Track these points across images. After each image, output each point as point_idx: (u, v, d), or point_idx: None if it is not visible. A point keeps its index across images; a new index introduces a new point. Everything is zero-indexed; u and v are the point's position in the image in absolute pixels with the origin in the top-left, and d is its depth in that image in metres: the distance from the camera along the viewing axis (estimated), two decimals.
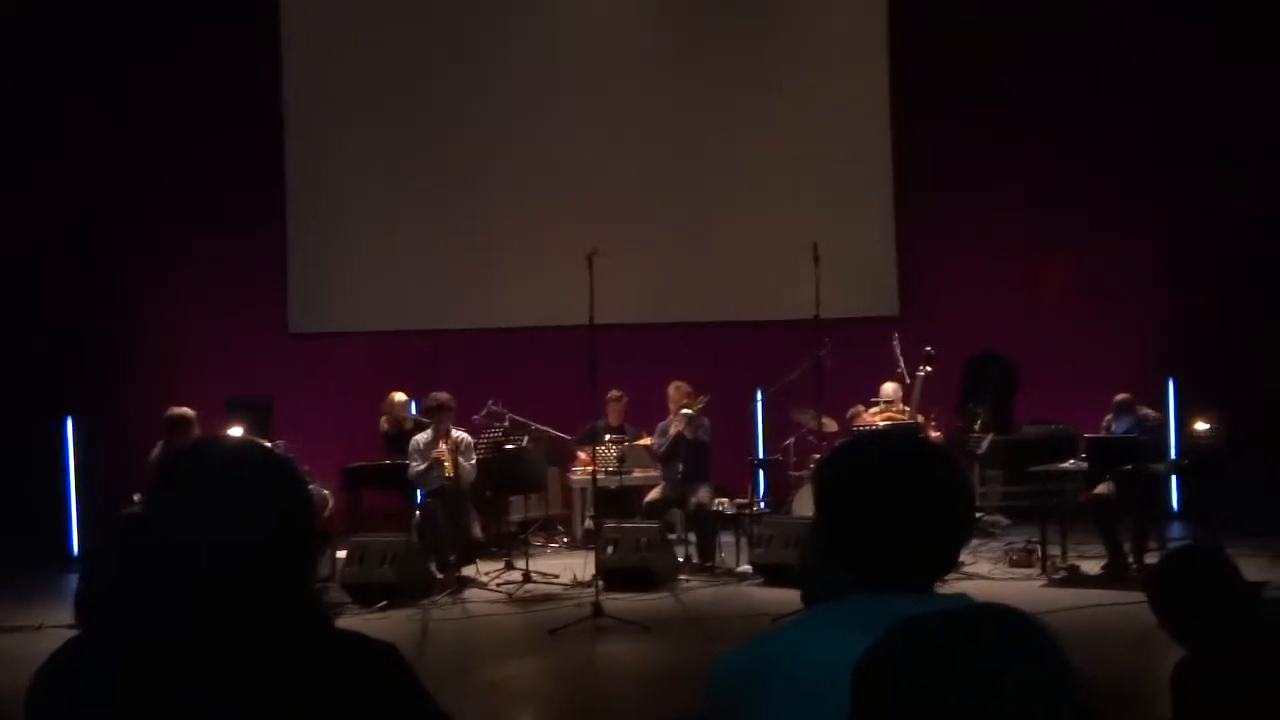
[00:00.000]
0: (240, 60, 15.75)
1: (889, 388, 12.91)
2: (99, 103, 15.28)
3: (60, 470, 13.90)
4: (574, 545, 13.61)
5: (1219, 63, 15.36)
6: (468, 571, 11.66)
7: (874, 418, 12.72)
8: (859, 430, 12.25)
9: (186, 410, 10.96)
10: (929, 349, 12.57)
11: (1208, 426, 12.72)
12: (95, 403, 14.46)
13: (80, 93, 15.27)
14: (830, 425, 12.75)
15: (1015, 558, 11.68)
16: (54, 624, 9.74)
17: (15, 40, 15.32)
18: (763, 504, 13.43)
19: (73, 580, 10.59)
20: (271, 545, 2.02)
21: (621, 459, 13.06)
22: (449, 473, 11.77)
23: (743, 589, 11.27)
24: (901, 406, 12.73)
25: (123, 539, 2.28)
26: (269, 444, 10.55)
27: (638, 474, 13.28)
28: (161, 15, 15.46)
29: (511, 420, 13.44)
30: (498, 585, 11.48)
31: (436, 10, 16.13)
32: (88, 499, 13.81)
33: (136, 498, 11.06)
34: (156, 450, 10.86)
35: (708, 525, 12.14)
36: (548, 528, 14.20)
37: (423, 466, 11.86)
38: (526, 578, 11.44)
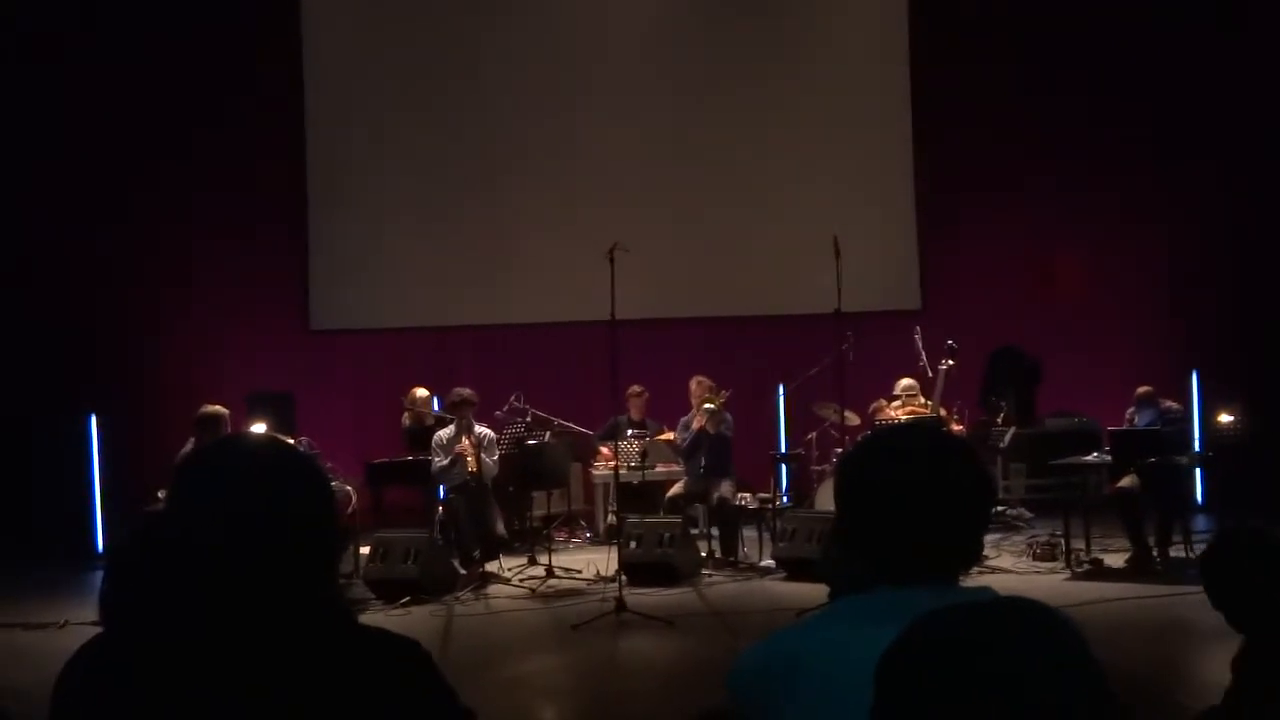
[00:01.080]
0: (260, 57, 15.79)
1: (905, 382, 12.91)
2: (120, 99, 15.30)
3: (84, 467, 13.95)
4: (596, 540, 13.61)
5: (1239, 49, 15.34)
6: (491, 567, 11.67)
7: (896, 412, 12.71)
8: (881, 424, 12.22)
9: (219, 408, 10.96)
10: (951, 343, 12.55)
11: (1231, 418, 12.65)
12: (118, 400, 14.50)
13: (100, 88, 15.30)
14: (852, 419, 12.74)
15: (1039, 551, 11.65)
16: (79, 621, 9.78)
17: (31, 36, 15.37)
18: (785, 498, 13.42)
19: (97, 577, 10.67)
20: (294, 542, 2.02)
21: (644, 454, 13.06)
22: (472, 468, 11.79)
23: (765, 584, 11.26)
24: (924, 400, 12.72)
25: (145, 537, 2.29)
26: (292, 441, 10.61)
27: (660, 469, 13.28)
28: (183, 8, 15.50)
29: (534, 416, 13.46)
30: (520, 581, 11.50)
31: (455, 7, 16.15)
32: (112, 496, 13.86)
33: (161, 494, 11.09)
34: (187, 448, 10.87)
35: (730, 520, 12.12)
36: (570, 523, 14.22)
37: (445, 462, 11.88)
38: (549, 573, 11.45)
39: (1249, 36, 15.41)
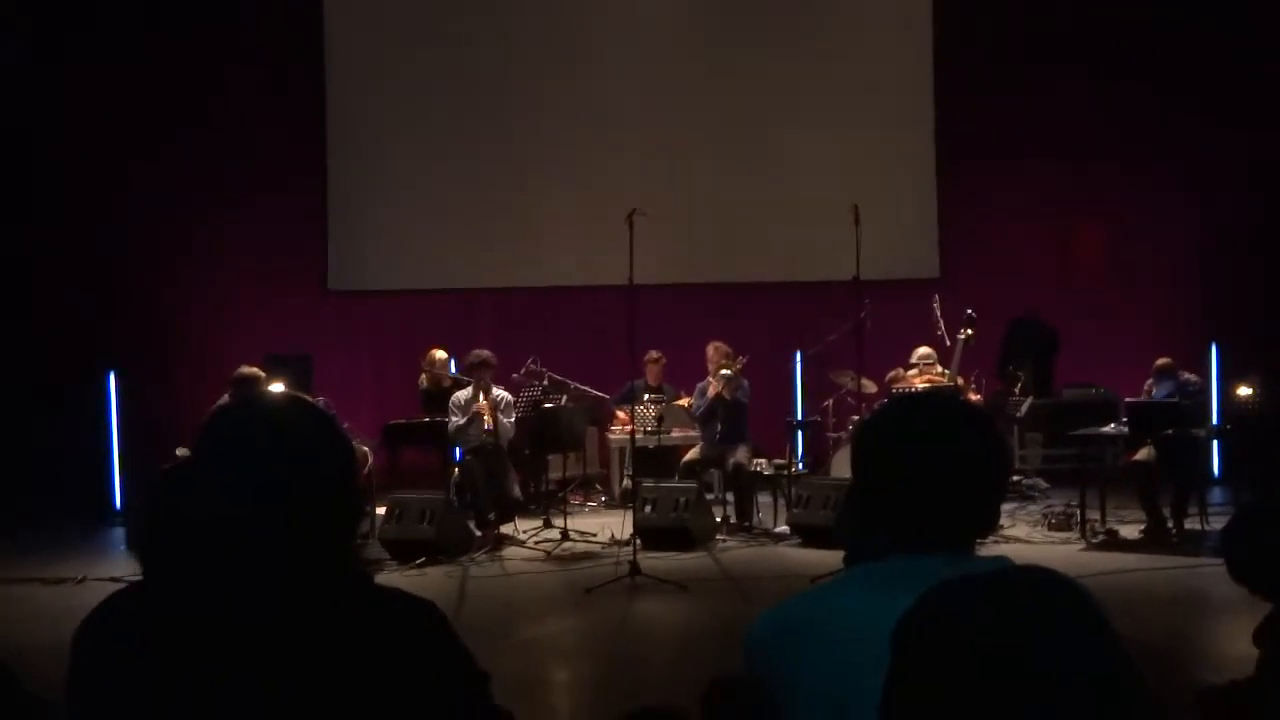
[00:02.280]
0: (280, 18, 15.75)
1: (922, 350, 12.89)
2: (140, 57, 15.27)
3: (103, 425, 14.00)
4: (612, 504, 13.65)
5: (1260, 18, 15.23)
6: (506, 529, 11.72)
7: (914, 380, 12.69)
8: (899, 392, 12.21)
9: (255, 370, 11.00)
10: (970, 312, 12.52)
11: (1250, 391, 12.60)
12: (137, 358, 14.54)
13: (119, 44, 15.26)
14: (869, 387, 12.72)
15: (1054, 521, 11.65)
16: (97, 577, 9.87)
17: None
18: (801, 465, 13.43)
19: (116, 534, 10.77)
20: (316, 500, 2.03)
21: (660, 419, 13.06)
22: (488, 425, 11.80)
23: (780, 549, 11.29)
24: (941, 369, 12.70)
25: (171, 493, 2.30)
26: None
27: (676, 434, 13.30)
28: None
29: (550, 379, 13.47)
30: (536, 543, 11.53)
31: None
32: (130, 454, 13.91)
33: (179, 452, 11.13)
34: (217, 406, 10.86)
35: (746, 485, 12.14)
36: (586, 487, 14.25)
37: (463, 421, 11.90)
38: (564, 536, 11.50)
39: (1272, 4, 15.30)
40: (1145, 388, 11.84)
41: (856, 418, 12.73)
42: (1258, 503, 3.73)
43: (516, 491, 12.10)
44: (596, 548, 11.30)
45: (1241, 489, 12.02)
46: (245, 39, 15.46)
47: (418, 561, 10.65)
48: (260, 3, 15.57)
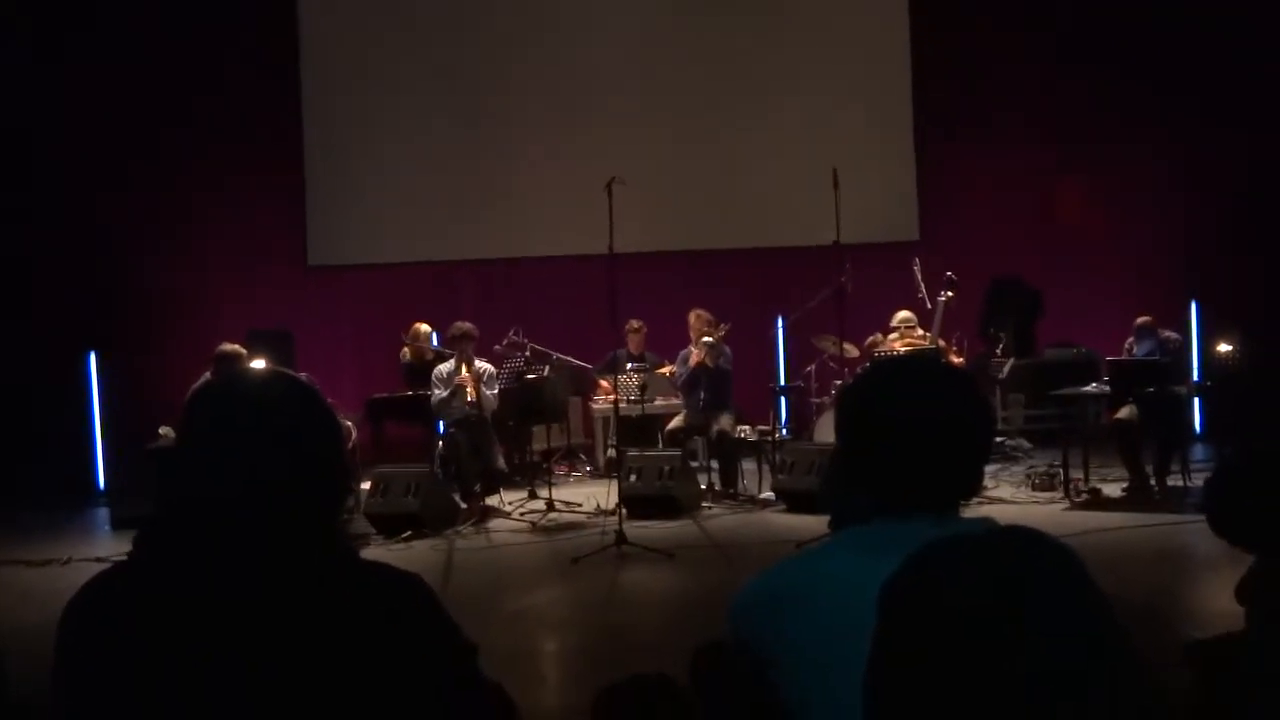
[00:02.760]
0: None
1: (902, 314, 12.90)
2: (116, 37, 15.19)
3: (85, 405, 13.96)
4: (597, 474, 13.67)
5: (1260, 18, 15.19)
6: (491, 501, 11.72)
7: (894, 344, 12.70)
8: (881, 356, 12.21)
9: (237, 347, 10.96)
10: (950, 274, 12.53)
11: (1230, 348, 12.64)
12: (118, 337, 14.49)
13: (97, 26, 15.18)
14: (851, 351, 12.73)
15: (1037, 481, 11.68)
16: (82, 557, 9.86)
17: None
18: (784, 430, 13.45)
19: (100, 514, 10.70)
20: (300, 479, 2.03)
21: (643, 388, 13.06)
22: (471, 397, 11.78)
23: (765, 515, 11.30)
24: (922, 332, 12.71)
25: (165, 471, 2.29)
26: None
27: (659, 402, 13.30)
28: None
29: (532, 350, 13.46)
30: (521, 514, 11.54)
31: None
32: (112, 433, 13.88)
33: (162, 430, 11.12)
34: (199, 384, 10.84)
35: (730, 452, 12.15)
36: (570, 457, 14.25)
37: (445, 393, 11.88)
38: (550, 507, 11.50)
39: None
40: (1126, 346, 11.86)
41: (839, 382, 12.75)
42: (1239, 457, 3.72)
43: (501, 463, 12.10)
44: (582, 518, 11.30)
45: (1223, 445, 12.06)
46: (220, 12, 15.37)
47: (403, 535, 10.65)
48: None
